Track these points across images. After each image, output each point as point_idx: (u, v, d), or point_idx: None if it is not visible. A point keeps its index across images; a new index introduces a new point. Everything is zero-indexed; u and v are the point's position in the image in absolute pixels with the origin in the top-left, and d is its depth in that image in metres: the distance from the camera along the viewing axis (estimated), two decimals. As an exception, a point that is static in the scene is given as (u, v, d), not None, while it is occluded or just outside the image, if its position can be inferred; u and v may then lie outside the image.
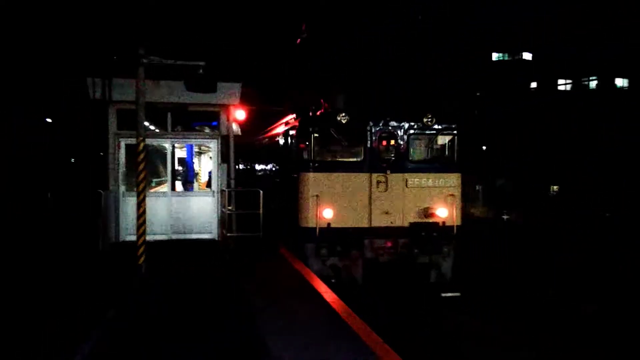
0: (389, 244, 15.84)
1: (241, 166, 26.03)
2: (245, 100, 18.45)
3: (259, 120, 25.57)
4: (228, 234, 17.20)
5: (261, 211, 16.31)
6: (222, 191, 18.30)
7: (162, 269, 14.26)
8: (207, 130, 19.44)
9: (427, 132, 16.43)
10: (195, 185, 29.22)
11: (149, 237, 15.18)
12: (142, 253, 13.76)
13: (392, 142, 16.11)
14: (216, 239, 18.41)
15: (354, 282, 15.19)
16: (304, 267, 14.47)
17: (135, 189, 14.54)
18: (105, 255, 16.05)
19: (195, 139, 19.87)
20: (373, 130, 16.00)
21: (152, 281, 13.03)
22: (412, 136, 16.23)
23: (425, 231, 15.85)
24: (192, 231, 18.82)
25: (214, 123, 18.94)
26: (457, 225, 16.01)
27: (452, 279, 16.07)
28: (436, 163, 16.36)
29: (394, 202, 15.90)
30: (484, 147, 48.13)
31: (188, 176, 27.39)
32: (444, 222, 16.04)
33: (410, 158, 16.17)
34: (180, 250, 16.96)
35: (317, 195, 15.56)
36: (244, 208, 17.67)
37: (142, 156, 13.84)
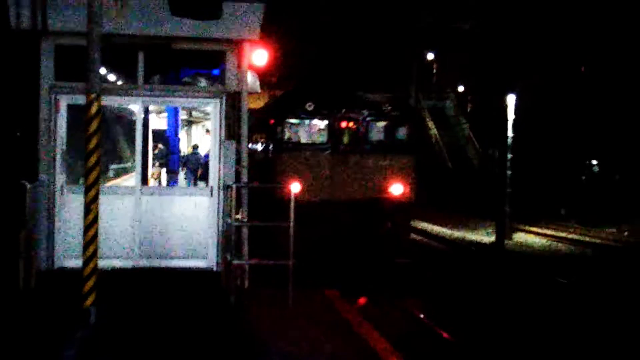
0: (350, 216, 21.17)
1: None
2: (269, 36, 16.99)
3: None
4: (235, 261, 13.93)
5: (292, 223, 13.62)
6: (226, 188, 14.83)
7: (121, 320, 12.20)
8: (202, 83, 16.45)
9: (383, 119, 22.61)
10: (182, 176, 22.39)
11: (103, 263, 12.23)
12: (92, 288, 11.14)
13: (354, 127, 22.26)
14: (214, 269, 15.36)
15: (318, 248, 20.84)
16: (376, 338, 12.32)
17: (82, 181, 12.52)
18: (29, 296, 13.41)
19: (183, 97, 16.03)
20: (336, 117, 21.93)
21: (107, 336, 10.88)
22: (370, 122, 22.43)
23: (382, 205, 21.60)
24: (174, 254, 15.34)
25: (215, 72, 16.16)
26: (409, 201, 22.25)
27: (405, 248, 22.28)
28: (392, 146, 22.43)
29: (354, 179, 21.55)
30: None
31: (170, 161, 20.14)
32: (397, 198, 22.19)
33: (369, 141, 22.32)
34: (153, 289, 14.26)
35: (286, 172, 21.00)
36: (258, 216, 15.80)
37: (95, 125, 11.26)
